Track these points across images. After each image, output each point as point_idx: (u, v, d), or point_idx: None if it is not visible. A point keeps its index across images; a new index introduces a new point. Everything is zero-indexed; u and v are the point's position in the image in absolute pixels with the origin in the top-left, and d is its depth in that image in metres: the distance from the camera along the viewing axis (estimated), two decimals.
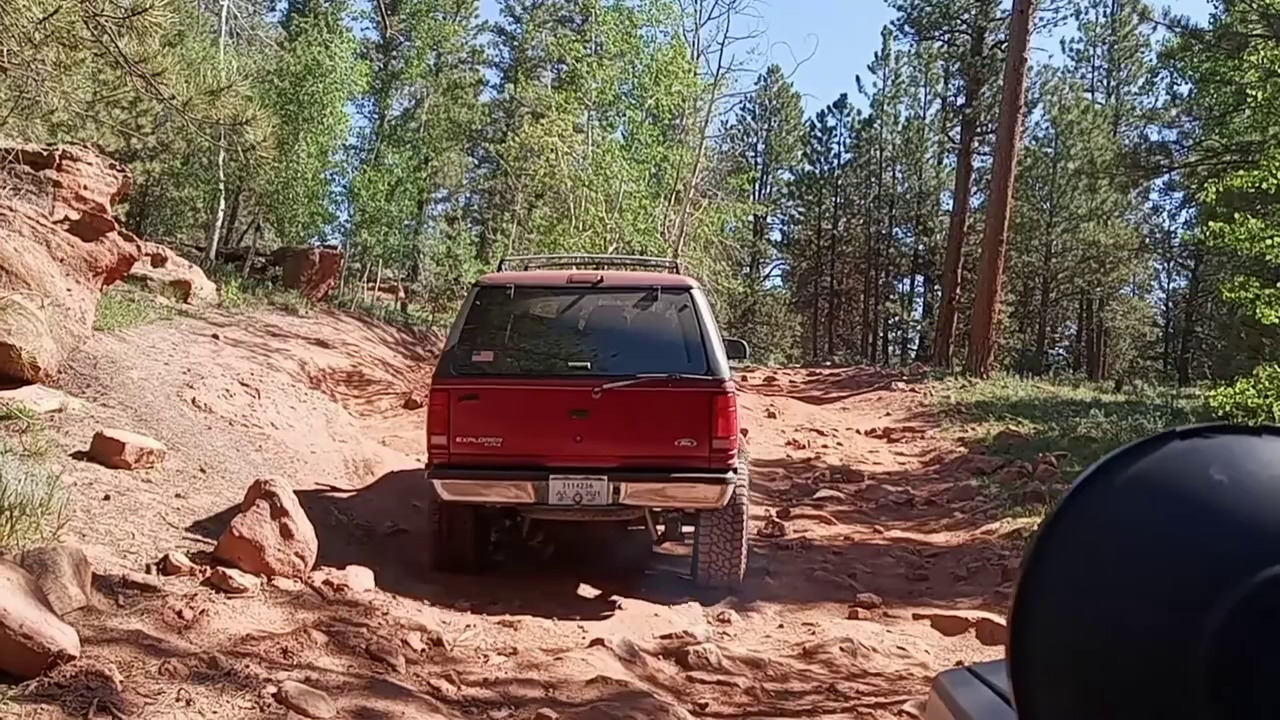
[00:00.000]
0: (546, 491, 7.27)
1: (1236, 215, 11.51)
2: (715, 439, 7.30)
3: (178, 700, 4.30)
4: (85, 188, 10.82)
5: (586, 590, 7.68)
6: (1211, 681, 0.56)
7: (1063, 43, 53.50)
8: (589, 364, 7.60)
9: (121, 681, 4.29)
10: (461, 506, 7.56)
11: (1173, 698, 0.57)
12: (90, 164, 11.17)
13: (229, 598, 5.62)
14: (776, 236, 56.94)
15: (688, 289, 7.65)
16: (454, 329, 7.96)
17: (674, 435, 7.32)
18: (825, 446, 16.46)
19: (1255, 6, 20.60)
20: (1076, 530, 0.64)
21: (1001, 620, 6.92)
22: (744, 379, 24.38)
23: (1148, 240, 43.23)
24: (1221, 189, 12.31)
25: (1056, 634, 0.63)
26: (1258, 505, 0.61)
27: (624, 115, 26.23)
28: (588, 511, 7.42)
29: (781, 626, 7.45)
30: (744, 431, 10.61)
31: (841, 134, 52.98)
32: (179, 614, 5.17)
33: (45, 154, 10.80)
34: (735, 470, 7.42)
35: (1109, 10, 46.22)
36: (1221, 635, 0.57)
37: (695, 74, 25.32)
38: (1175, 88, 37.28)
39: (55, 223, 9.72)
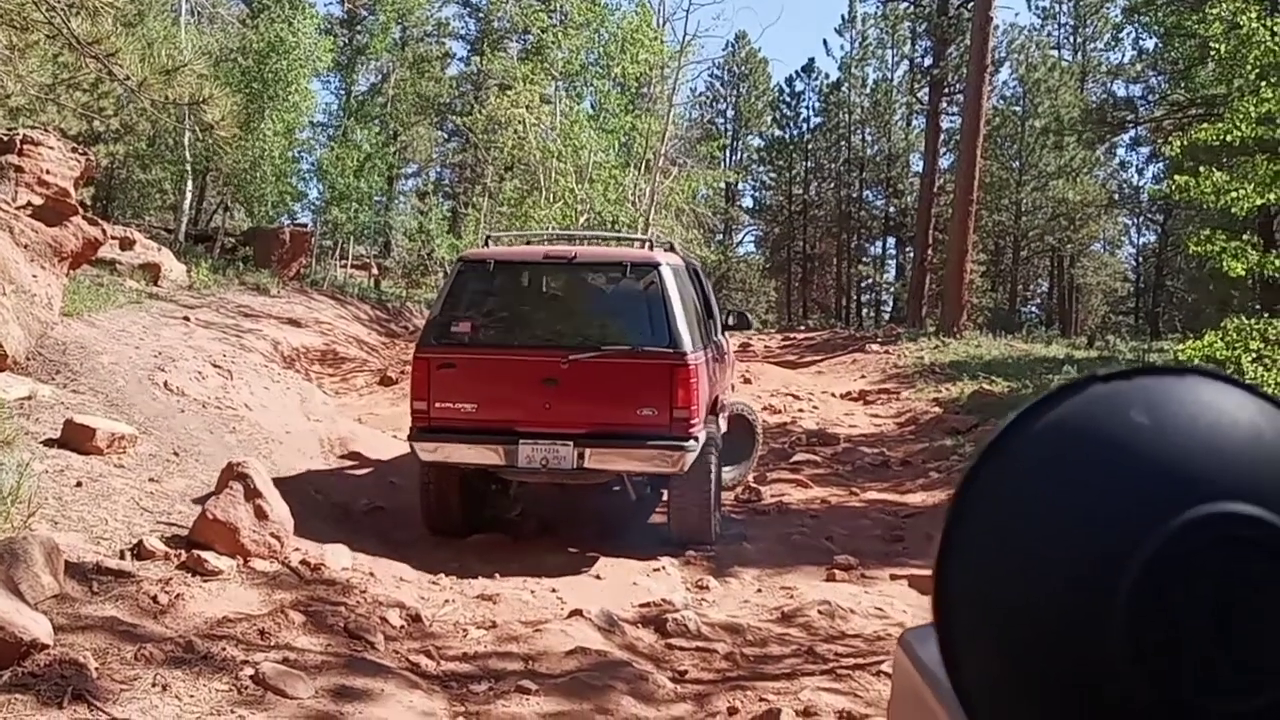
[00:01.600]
0: (516, 455, 7.62)
1: (1202, 169, 11.55)
2: (676, 409, 7.59)
3: (154, 685, 4.30)
4: (48, 172, 10.68)
5: (566, 559, 7.69)
6: (1130, 626, 0.56)
7: (1028, 0, 53.44)
8: (559, 335, 7.98)
9: (97, 669, 4.28)
10: (448, 469, 7.90)
11: (1092, 644, 0.57)
12: (52, 148, 11.02)
13: (204, 581, 5.61)
14: (748, 203, 56.87)
15: (655, 265, 7.89)
16: (436, 301, 8.40)
17: (637, 404, 7.63)
18: (801, 410, 16.50)
19: None
20: (997, 479, 0.63)
21: None
22: (744, 346, 24.35)
23: (1116, 196, 43.41)
24: (1187, 143, 12.34)
25: (977, 587, 0.62)
26: (1178, 447, 0.60)
27: (591, 85, 26.09)
28: (554, 475, 7.77)
29: (760, 591, 7.49)
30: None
31: (810, 98, 52.82)
32: (154, 599, 5.16)
33: (5, 139, 10.64)
34: (696, 439, 7.66)
35: None
36: (1140, 580, 0.56)
37: (661, 41, 25.16)
38: (1140, 43, 37.32)
39: (18, 208, 9.60)
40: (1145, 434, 0.61)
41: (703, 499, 8.10)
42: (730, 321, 10.82)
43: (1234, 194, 10.98)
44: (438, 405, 7.74)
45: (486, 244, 9.56)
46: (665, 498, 8.57)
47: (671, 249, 9.59)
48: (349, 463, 10.23)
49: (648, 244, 9.16)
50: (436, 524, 8.15)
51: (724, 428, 9.34)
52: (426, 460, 7.84)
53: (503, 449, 7.65)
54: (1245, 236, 11.53)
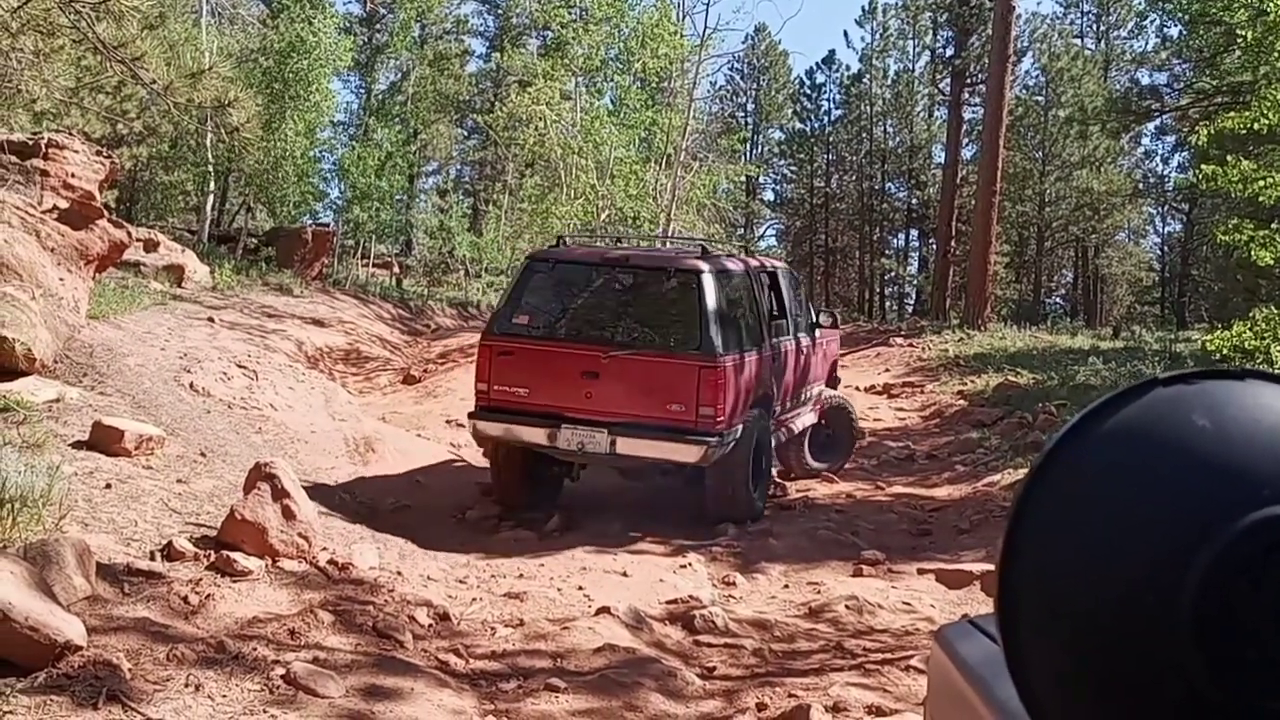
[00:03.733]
0: (557, 437, 8.53)
1: (1229, 158, 11.45)
2: (702, 407, 8.30)
3: (186, 686, 4.32)
4: (73, 175, 10.74)
5: (593, 556, 7.69)
6: (1196, 628, 0.57)
7: None
8: (603, 332, 8.72)
9: (130, 669, 4.31)
10: (512, 447, 8.90)
11: (1158, 645, 0.58)
12: (77, 151, 11.08)
13: (234, 581, 5.63)
14: (769, 196, 56.68)
15: (698, 272, 8.57)
16: (504, 294, 9.53)
17: (667, 400, 8.37)
18: None
19: None
20: (1061, 480, 0.64)
21: None
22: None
23: (1141, 185, 43.02)
24: (1213, 131, 12.24)
25: (1043, 585, 0.63)
26: (1240, 450, 0.61)
27: (611, 81, 26.07)
28: (589, 458, 8.76)
29: (787, 587, 7.48)
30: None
31: (831, 90, 52.55)
32: (185, 599, 5.19)
33: (31, 143, 10.71)
34: (721, 434, 8.34)
35: None
36: (1205, 582, 0.57)
37: (681, 36, 25.13)
38: (1165, 30, 36.97)
39: (44, 212, 9.67)
40: (1208, 437, 0.62)
41: (737, 484, 8.80)
42: (821, 321, 11.69)
43: (1262, 182, 10.88)
44: (496, 388, 8.72)
45: (559, 244, 10.19)
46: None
47: (741, 254, 10.32)
48: (375, 461, 10.26)
49: (701, 249, 9.46)
50: (502, 496, 9.16)
51: (812, 420, 10.81)
52: (482, 436, 8.94)
53: (547, 430, 8.53)
54: (1274, 225, 11.40)
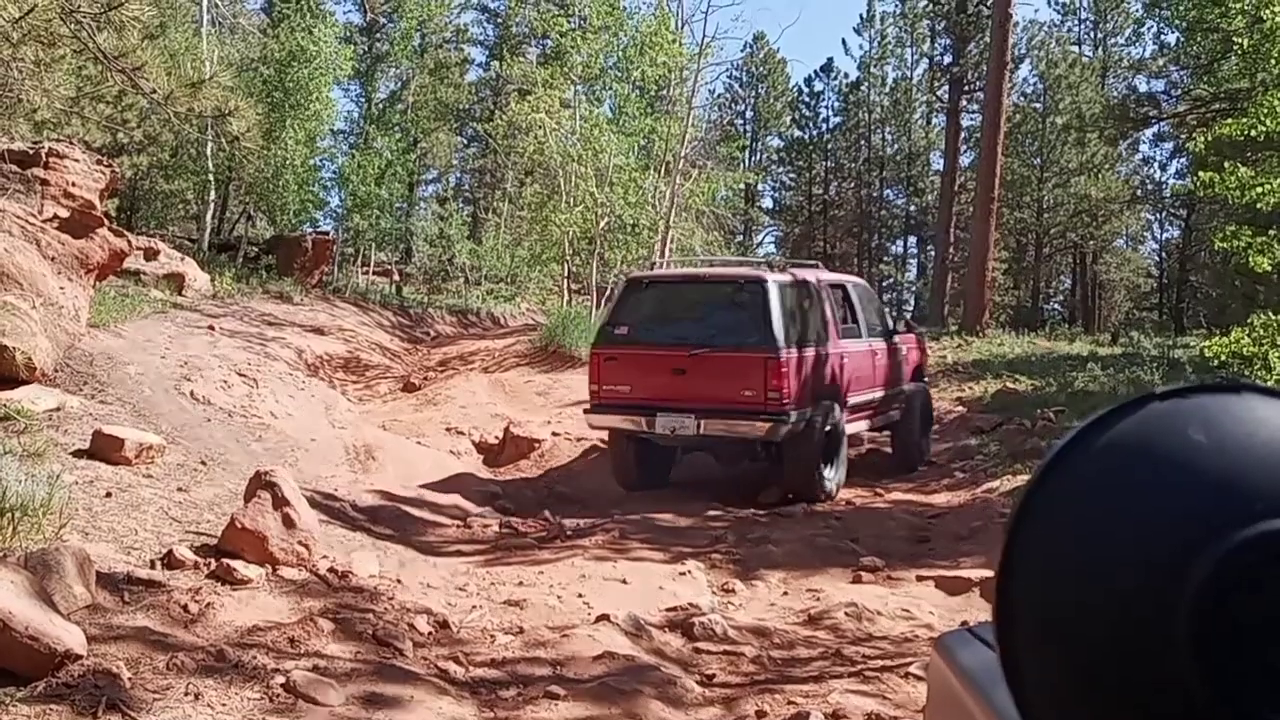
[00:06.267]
0: (654, 423, 10.21)
1: (1226, 164, 11.46)
2: (769, 392, 9.89)
3: (186, 694, 4.33)
4: (73, 184, 10.75)
5: (592, 564, 7.69)
6: (1193, 640, 0.57)
7: None
8: (688, 335, 10.31)
9: (130, 678, 4.32)
10: (623, 436, 10.76)
11: (1155, 657, 0.58)
12: (77, 160, 11.10)
13: (234, 589, 5.64)
14: (768, 203, 56.67)
15: (763, 281, 10.17)
16: (606, 309, 12.24)
17: (741, 387, 9.98)
18: None
19: None
20: (1058, 494, 0.65)
21: None
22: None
23: (1139, 192, 43.05)
24: (1211, 138, 12.26)
25: (1041, 597, 0.64)
26: (1235, 464, 0.61)
27: (610, 89, 26.09)
28: (680, 439, 10.46)
29: (786, 594, 7.47)
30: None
31: (829, 98, 52.63)
32: (185, 608, 5.19)
33: (31, 152, 10.73)
34: (788, 414, 9.88)
35: None
36: (1201, 595, 0.57)
37: (680, 44, 25.16)
38: (1162, 37, 37.10)
39: (45, 221, 9.68)
40: (1203, 451, 0.62)
41: (809, 466, 10.24)
42: (899, 327, 13.22)
43: (1260, 189, 10.89)
44: (604, 388, 10.53)
45: (651, 268, 12.40)
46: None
47: (773, 269, 11.38)
48: (375, 469, 10.27)
49: (769, 265, 11.42)
50: (618, 477, 10.95)
51: (895, 416, 12.36)
52: (595, 426, 10.95)
53: (644, 419, 10.25)
54: (1272, 231, 11.42)
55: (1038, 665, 0.63)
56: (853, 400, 11.20)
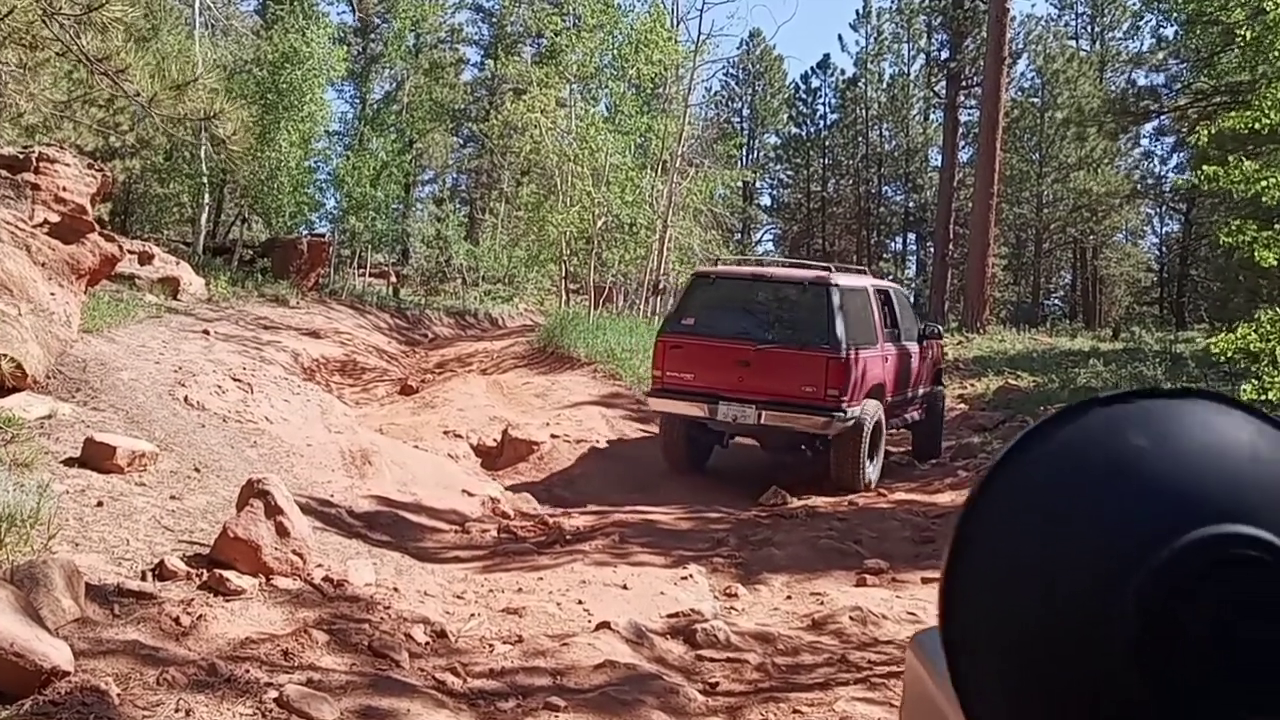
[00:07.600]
0: (716, 411, 10.76)
1: (1230, 158, 11.37)
2: (829, 389, 10.46)
3: (177, 711, 4.22)
4: (64, 189, 10.64)
5: (592, 569, 7.59)
6: (1134, 646, 0.57)
7: None
8: (753, 330, 10.90)
9: (119, 695, 4.20)
10: (675, 420, 11.31)
11: (1096, 663, 0.58)
12: (68, 165, 10.99)
13: (227, 600, 5.52)
14: (766, 201, 56.65)
15: (828, 284, 10.78)
16: (674, 301, 13.25)
17: (802, 383, 10.54)
18: None
19: None
20: (1002, 500, 0.64)
21: None
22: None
23: (1139, 186, 42.97)
24: (1214, 131, 12.16)
25: (983, 603, 0.63)
26: (1178, 470, 0.61)
27: (606, 87, 25.96)
28: (740, 428, 11.09)
29: (789, 598, 7.37)
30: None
31: (826, 95, 52.57)
32: (176, 620, 5.08)
33: (21, 157, 10.62)
34: (844, 411, 10.48)
35: None
36: (1142, 600, 0.57)
37: (675, 42, 25.05)
38: (1161, 30, 36.92)
39: (35, 226, 9.57)
40: (1145, 456, 0.62)
41: (854, 458, 10.83)
42: (925, 332, 13.50)
43: (1265, 182, 10.80)
44: (668, 374, 11.05)
45: (716, 264, 13.20)
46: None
47: (860, 274, 12.27)
48: (371, 474, 10.15)
49: (830, 267, 11.88)
50: (668, 458, 11.54)
51: (919, 416, 12.99)
52: (658, 410, 11.45)
53: (707, 406, 10.78)
54: (1277, 226, 11.31)
55: (981, 672, 0.63)
56: (891, 399, 11.79)
